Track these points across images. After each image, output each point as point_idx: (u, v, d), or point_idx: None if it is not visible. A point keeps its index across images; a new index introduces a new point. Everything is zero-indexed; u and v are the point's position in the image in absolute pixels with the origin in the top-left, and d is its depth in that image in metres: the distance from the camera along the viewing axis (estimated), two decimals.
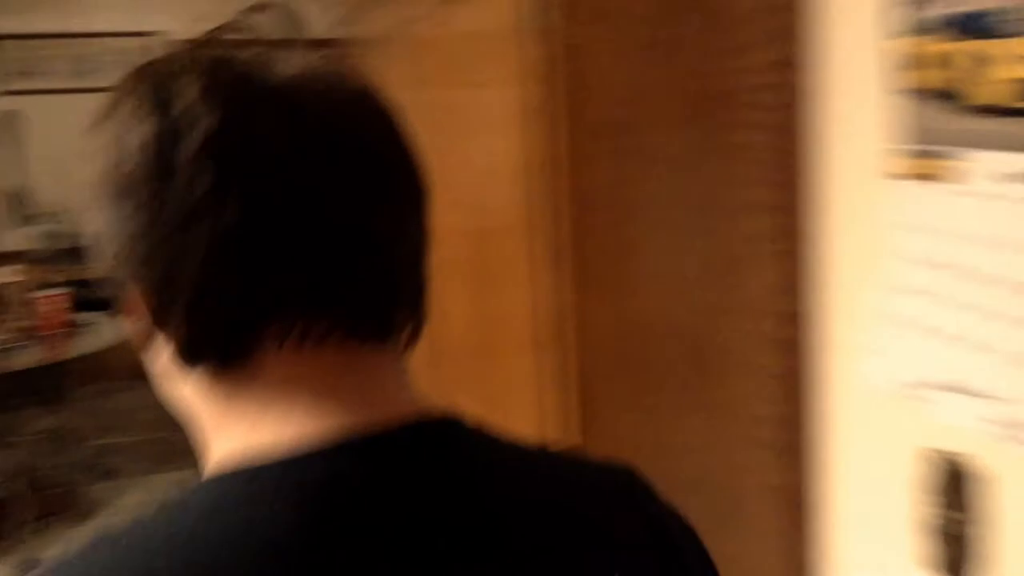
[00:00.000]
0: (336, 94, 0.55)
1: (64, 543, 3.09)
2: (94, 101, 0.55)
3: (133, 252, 0.52)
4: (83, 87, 4.54)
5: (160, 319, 0.53)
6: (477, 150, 1.51)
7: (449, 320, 1.62)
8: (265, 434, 0.51)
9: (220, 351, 0.52)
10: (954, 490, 1.13)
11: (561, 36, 1.24)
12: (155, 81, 0.53)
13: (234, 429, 0.53)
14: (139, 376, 0.68)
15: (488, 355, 1.58)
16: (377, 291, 0.55)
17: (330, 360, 0.53)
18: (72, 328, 3.53)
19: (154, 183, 0.50)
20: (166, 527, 0.49)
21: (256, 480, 0.49)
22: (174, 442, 2.28)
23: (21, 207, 4.82)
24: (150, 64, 0.55)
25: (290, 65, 0.54)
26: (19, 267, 3.57)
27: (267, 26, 0.56)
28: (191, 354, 0.52)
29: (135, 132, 0.51)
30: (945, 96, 1.07)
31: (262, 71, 0.53)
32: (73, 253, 4.17)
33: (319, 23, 0.67)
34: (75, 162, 0.54)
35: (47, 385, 3.60)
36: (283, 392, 0.52)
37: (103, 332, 3.55)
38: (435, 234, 0.59)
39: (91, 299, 3.55)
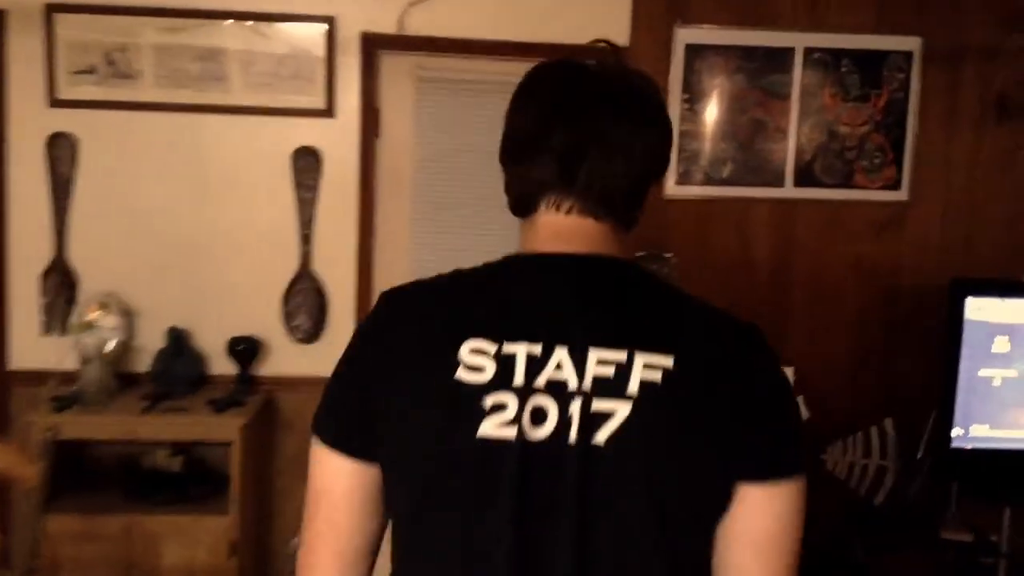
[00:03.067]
0: (622, 70, 1.20)
1: None
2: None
3: (505, 158, 1.23)
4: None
5: (508, 194, 1.23)
6: None
7: None
8: (535, 247, 1.17)
9: (521, 212, 1.20)
10: None
11: None
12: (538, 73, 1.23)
13: (525, 244, 1.18)
14: None
15: None
16: (607, 187, 1.15)
17: (571, 222, 1.16)
18: None
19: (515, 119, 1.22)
20: (481, 267, 1.17)
21: (527, 261, 1.16)
22: None
23: None
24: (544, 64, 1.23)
25: (607, 64, 1.20)
26: None
27: (600, 47, 1.31)
28: (514, 212, 1.21)
29: (516, 97, 1.22)
30: None
31: (583, 63, 1.19)
32: None
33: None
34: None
35: None
36: (546, 233, 1.17)
37: None
38: None
39: None
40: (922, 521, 3.54)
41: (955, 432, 3.39)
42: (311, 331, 3.64)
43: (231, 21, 3.49)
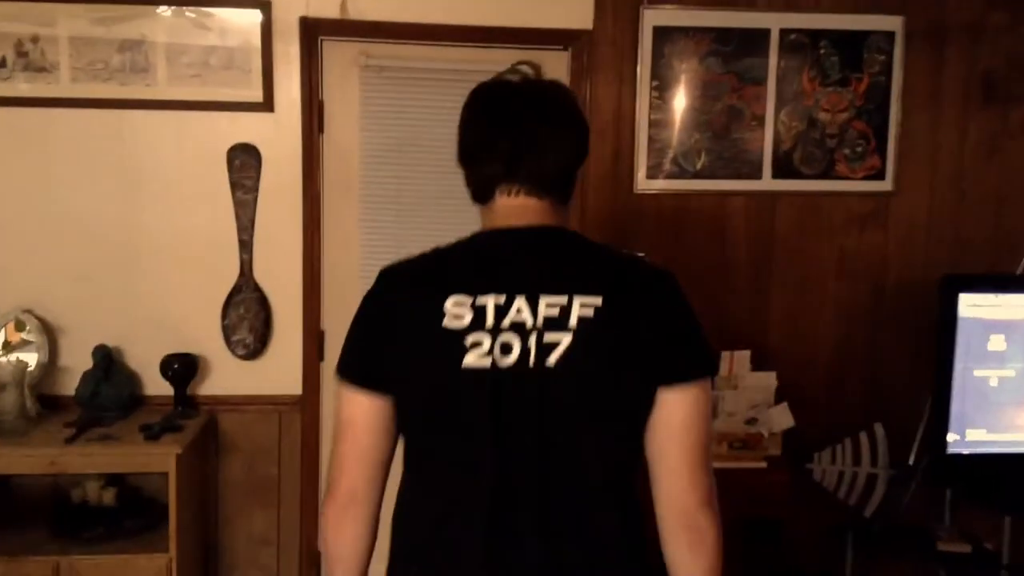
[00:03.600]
0: (542, 84, 1.60)
1: None
2: None
3: (463, 161, 1.59)
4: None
5: (469, 188, 1.59)
6: None
7: None
8: (495, 223, 1.55)
9: (480, 199, 1.57)
10: None
11: None
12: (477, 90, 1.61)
13: (486, 223, 1.56)
14: None
15: None
16: (543, 175, 1.52)
17: (519, 203, 1.53)
18: None
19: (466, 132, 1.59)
20: (455, 243, 1.54)
21: (489, 235, 1.54)
22: None
23: None
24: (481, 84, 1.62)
25: (528, 78, 1.61)
26: None
27: (524, 70, 1.69)
28: (474, 200, 1.59)
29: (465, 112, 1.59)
30: None
31: (513, 80, 1.59)
32: None
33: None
34: None
35: None
36: (501, 213, 1.53)
37: None
38: None
39: None
40: (916, 532, 3.40)
41: (951, 437, 3.23)
42: (254, 346, 3.35)
43: (156, 7, 3.20)
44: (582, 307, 1.45)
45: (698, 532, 1.48)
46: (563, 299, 1.46)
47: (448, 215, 3.21)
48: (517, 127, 1.53)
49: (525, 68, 1.86)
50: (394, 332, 1.50)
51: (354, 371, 1.55)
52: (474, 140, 1.57)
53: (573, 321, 1.45)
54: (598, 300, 1.45)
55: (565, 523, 1.47)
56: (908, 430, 3.37)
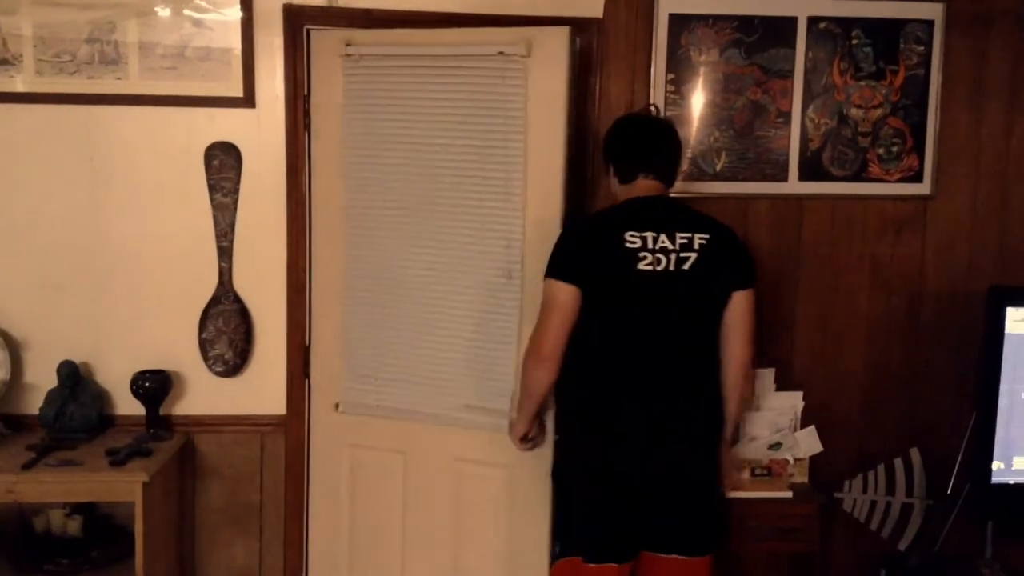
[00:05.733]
0: (663, 120, 2.87)
1: None
2: None
3: (614, 159, 2.74)
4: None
5: (619, 175, 2.70)
6: None
7: None
8: (637, 194, 2.65)
9: (626, 180, 2.68)
10: None
11: None
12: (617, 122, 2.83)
13: (628, 194, 2.66)
14: None
15: None
16: (666, 171, 2.69)
17: (651, 184, 2.66)
18: None
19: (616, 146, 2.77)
20: (616, 206, 2.68)
21: (638, 200, 2.63)
22: None
23: None
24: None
25: (652, 116, 2.87)
26: None
27: (653, 110, 2.94)
28: (621, 181, 2.69)
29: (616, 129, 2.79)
30: None
31: (647, 116, 2.86)
32: None
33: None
34: None
35: None
36: (641, 189, 2.65)
37: None
38: None
39: None
40: (955, 567, 3.26)
41: (995, 464, 3.06)
42: (234, 362, 3.13)
43: None
44: (699, 239, 2.55)
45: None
46: (689, 235, 2.55)
47: (441, 218, 2.94)
48: (653, 146, 2.68)
49: (653, 108, 2.94)
50: (589, 252, 2.53)
51: (562, 272, 2.52)
52: (624, 147, 2.69)
53: (696, 245, 2.54)
54: (707, 236, 2.56)
55: (687, 370, 2.59)
56: (947, 456, 3.19)
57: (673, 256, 2.51)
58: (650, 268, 2.49)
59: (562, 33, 2.81)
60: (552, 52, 2.80)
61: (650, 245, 2.50)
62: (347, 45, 2.95)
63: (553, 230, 2.75)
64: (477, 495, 2.97)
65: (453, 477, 2.98)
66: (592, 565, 2.54)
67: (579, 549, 2.57)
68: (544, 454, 2.84)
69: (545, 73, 2.81)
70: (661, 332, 2.54)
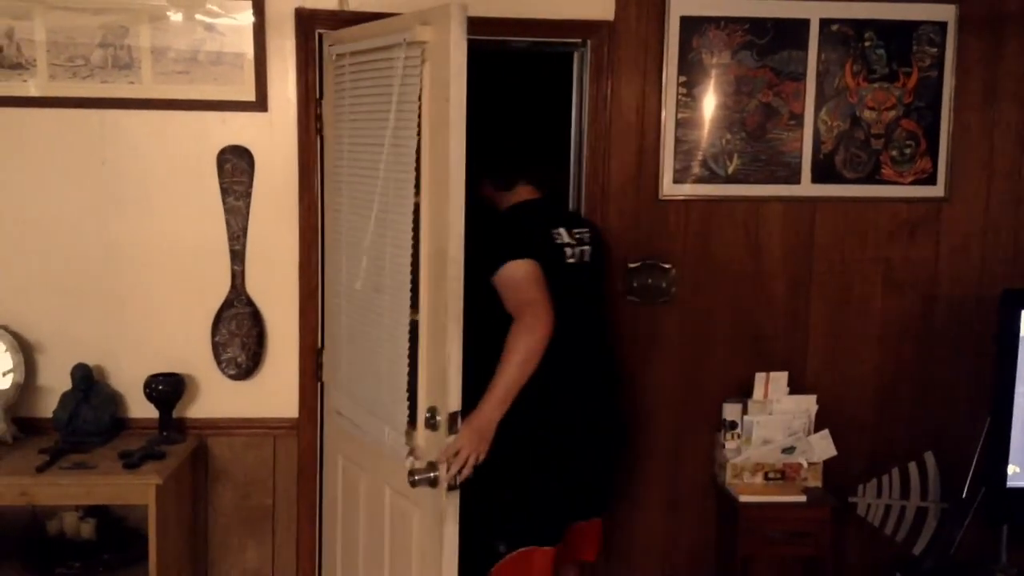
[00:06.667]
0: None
1: None
2: None
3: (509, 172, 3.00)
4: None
5: (502, 185, 2.96)
6: None
7: None
8: (521, 198, 2.93)
9: (503, 188, 2.95)
10: None
11: None
12: None
13: (514, 201, 2.93)
14: None
15: None
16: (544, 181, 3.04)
17: (533, 189, 2.94)
18: None
19: None
20: (529, 202, 2.93)
21: (535, 203, 2.93)
22: None
23: None
24: None
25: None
26: None
27: None
28: (505, 188, 2.96)
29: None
30: None
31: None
32: None
33: None
34: None
35: None
36: (522, 194, 2.92)
37: None
38: None
39: None
40: (970, 572, 3.26)
41: (1010, 468, 3.07)
42: (247, 365, 3.13)
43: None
44: (589, 233, 2.88)
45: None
46: (585, 229, 2.88)
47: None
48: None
49: None
50: (537, 240, 2.71)
51: (531, 251, 2.61)
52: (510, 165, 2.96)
53: (587, 239, 2.84)
54: (587, 229, 2.89)
55: (609, 356, 3.01)
56: (962, 460, 3.17)
57: (578, 249, 2.79)
58: (574, 261, 2.77)
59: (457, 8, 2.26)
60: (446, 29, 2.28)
61: (566, 239, 2.78)
62: (330, 45, 2.90)
63: None
64: None
65: None
66: (548, 548, 2.72)
67: (534, 537, 2.72)
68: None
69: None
70: (590, 322, 2.83)
